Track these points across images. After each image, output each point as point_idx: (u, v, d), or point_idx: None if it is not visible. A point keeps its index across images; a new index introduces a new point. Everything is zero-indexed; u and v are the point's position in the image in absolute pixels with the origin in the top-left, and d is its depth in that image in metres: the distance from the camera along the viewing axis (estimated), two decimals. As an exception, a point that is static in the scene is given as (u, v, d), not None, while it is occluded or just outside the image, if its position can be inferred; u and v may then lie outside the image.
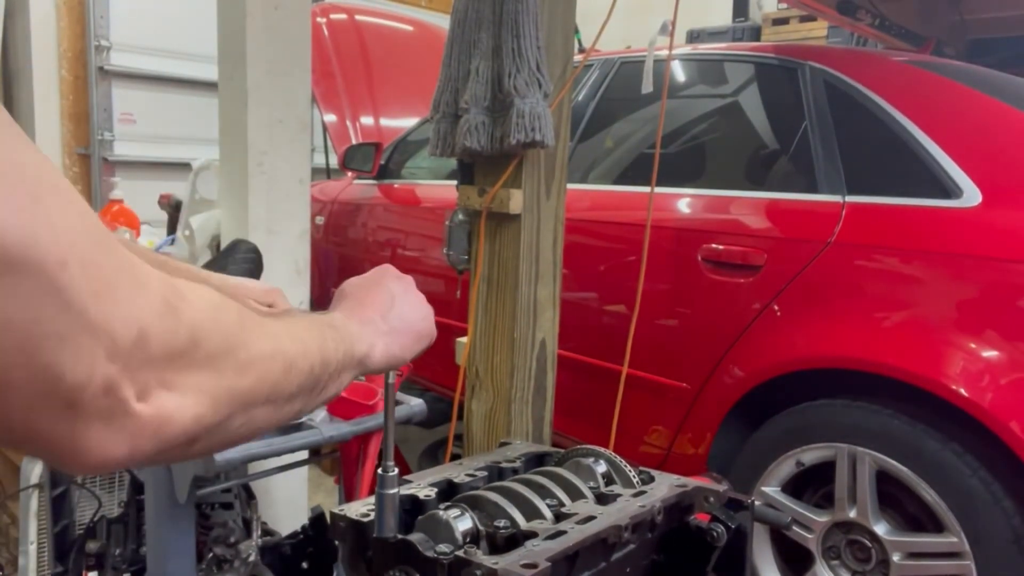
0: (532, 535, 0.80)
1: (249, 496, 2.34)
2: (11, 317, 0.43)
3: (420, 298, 0.94)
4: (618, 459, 0.99)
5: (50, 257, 0.44)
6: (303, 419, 1.88)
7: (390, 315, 0.87)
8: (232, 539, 2.11)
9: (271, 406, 0.65)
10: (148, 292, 0.51)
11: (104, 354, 0.47)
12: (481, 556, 0.76)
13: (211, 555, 2.09)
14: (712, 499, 0.93)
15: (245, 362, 0.60)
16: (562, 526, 0.82)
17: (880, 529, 2.28)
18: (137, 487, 2.21)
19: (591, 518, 0.84)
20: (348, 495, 2.14)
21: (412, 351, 0.89)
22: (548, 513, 0.87)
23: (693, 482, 0.95)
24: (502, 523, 0.83)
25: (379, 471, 0.84)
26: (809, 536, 2.42)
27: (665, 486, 0.95)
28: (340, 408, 1.95)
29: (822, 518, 2.40)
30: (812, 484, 2.49)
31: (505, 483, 0.91)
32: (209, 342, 0.56)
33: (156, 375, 0.52)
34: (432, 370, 3.61)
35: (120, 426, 0.50)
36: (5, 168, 0.43)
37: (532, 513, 0.86)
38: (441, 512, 0.84)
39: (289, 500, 2.99)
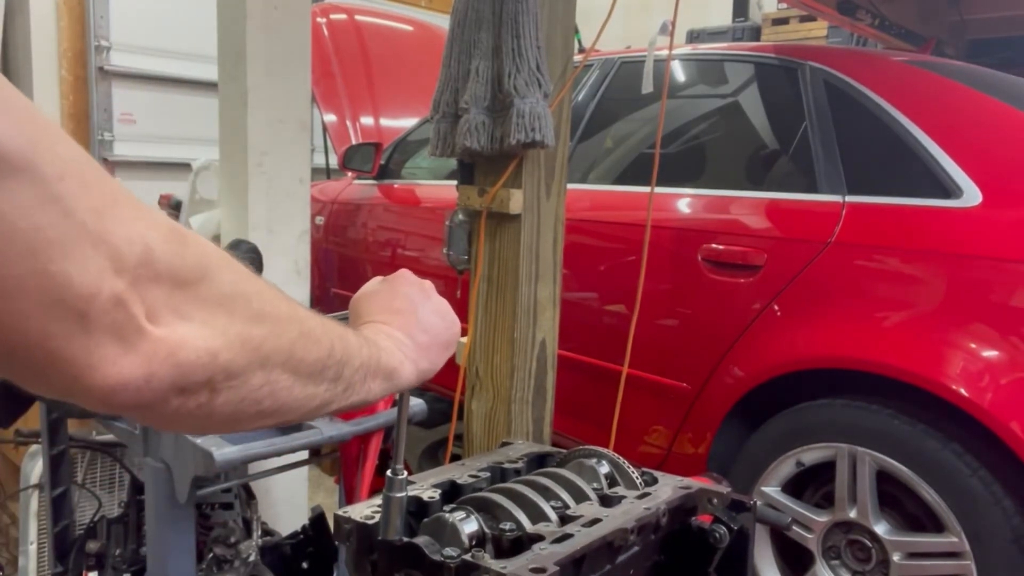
0: (538, 538, 0.80)
1: (249, 496, 2.34)
2: (15, 223, 0.43)
3: (441, 302, 0.91)
4: (620, 460, 0.99)
5: (49, 168, 0.45)
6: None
7: (415, 330, 0.84)
8: (232, 539, 2.11)
9: (291, 374, 0.63)
10: (152, 217, 0.51)
11: (110, 267, 0.47)
12: (489, 560, 0.76)
13: (211, 555, 2.09)
14: (715, 501, 0.93)
15: (258, 311, 0.59)
16: (568, 529, 0.82)
17: (880, 529, 2.28)
18: (137, 487, 2.21)
19: (597, 521, 0.84)
20: (348, 495, 2.14)
21: (440, 362, 0.86)
22: (553, 515, 0.86)
23: (697, 483, 0.95)
24: (508, 526, 0.83)
25: (388, 473, 0.83)
26: (809, 536, 2.42)
27: (669, 488, 0.95)
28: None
29: (822, 518, 2.40)
30: (812, 484, 2.49)
31: (509, 485, 0.91)
32: (219, 281, 0.56)
33: (165, 297, 0.51)
34: (432, 370, 3.61)
35: (133, 344, 0.49)
36: (5, 94, 0.44)
37: (537, 515, 0.86)
38: (447, 515, 0.84)
39: (289, 500, 2.99)
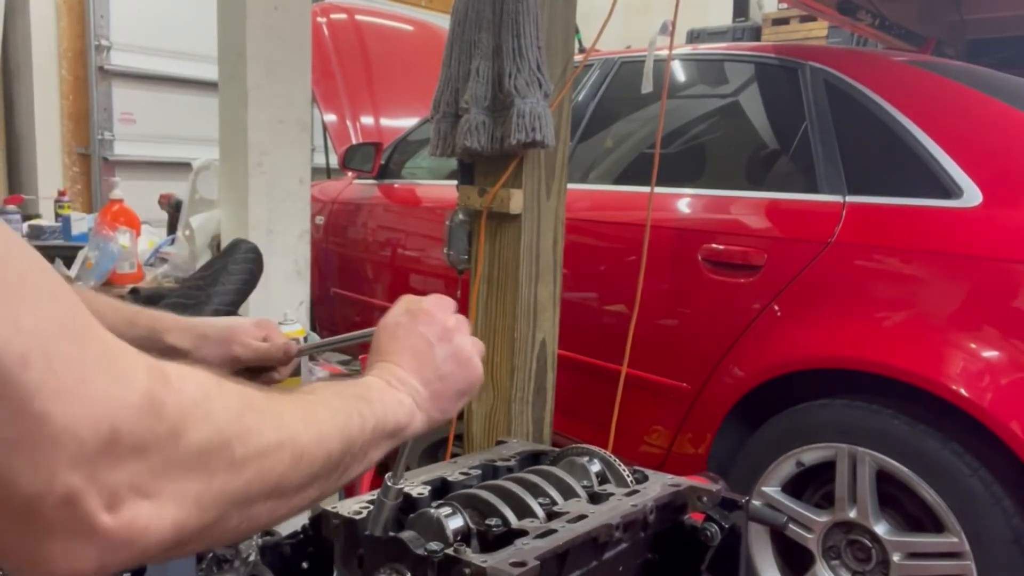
0: (523, 533, 0.80)
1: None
2: None
3: (463, 347, 0.87)
4: (612, 458, 0.99)
5: (9, 353, 0.41)
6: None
7: (430, 376, 0.81)
8: (232, 539, 2.10)
9: (276, 500, 0.59)
10: (127, 387, 0.47)
11: (66, 461, 0.44)
12: (471, 554, 0.76)
13: (211, 555, 2.09)
14: (705, 498, 0.93)
15: (241, 458, 0.54)
16: (553, 525, 0.82)
17: (880, 529, 2.28)
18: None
19: (582, 517, 0.84)
20: (348, 494, 2.14)
21: (453, 411, 0.85)
22: (540, 512, 0.86)
23: (686, 481, 0.95)
24: (493, 521, 0.83)
25: (385, 478, 0.83)
26: (809, 536, 2.42)
27: (658, 485, 0.95)
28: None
29: (822, 518, 2.39)
30: (812, 484, 2.49)
31: (498, 482, 0.91)
32: (198, 437, 0.51)
33: (129, 481, 0.47)
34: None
35: (86, 540, 0.46)
36: None
37: (524, 512, 0.86)
38: (432, 510, 0.84)
39: (289, 500, 2.98)
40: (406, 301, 0.90)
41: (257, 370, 1.17)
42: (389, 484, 0.84)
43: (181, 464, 0.50)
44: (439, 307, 0.89)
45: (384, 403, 0.74)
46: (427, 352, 0.83)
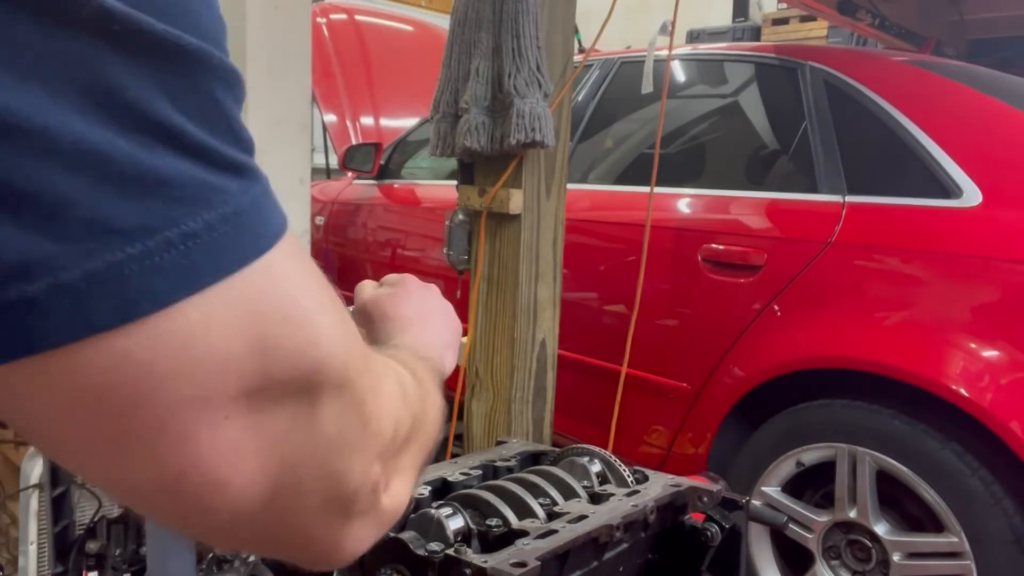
0: (523, 534, 0.80)
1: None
2: (325, 432, 0.43)
3: (447, 305, 0.91)
4: (612, 458, 0.99)
5: (357, 369, 0.45)
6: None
7: (437, 341, 0.84)
8: (232, 539, 2.10)
9: (422, 467, 0.64)
10: (392, 382, 0.52)
11: (376, 454, 0.48)
12: (471, 555, 0.76)
13: (211, 555, 2.09)
14: (706, 499, 0.93)
15: (429, 433, 0.60)
16: (553, 525, 0.82)
17: (880, 529, 2.28)
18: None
19: (583, 517, 0.84)
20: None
21: (452, 365, 0.87)
22: (541, 512, 0.86)
23: (687, 481, 0.95)
24: (494, 522, 0.83)
25: None
26: (809, 536, 2.42)
27: (659, 485, 0.95)
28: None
29: (822, 518, 2.39)
30: (812, 484, 2.49)
31: (499, 482, 0.91)
32: (418, 420, 0.57)
33: (395, 464, 0.52)
34: (432, 370, 3.60)
35: (372, 519, 0.50)
36: (323, 287, 0.44)
37: (525, 512, 0.86)
38: (433, 510, 0.84)
39: (289, 500, 2.99)
40: (371, 284, 0.93)
41: None
42: None
43: (407, 445, 0.55)
44: (417, 280, 0.93)
45: (433, 360, 0.77)
46: (430, 319, 0.86)
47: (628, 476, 0.98)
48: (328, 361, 0.42)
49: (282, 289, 0.40)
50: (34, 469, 2.74)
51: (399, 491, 0.53)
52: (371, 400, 0.47)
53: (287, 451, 0.42)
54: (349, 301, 0.94)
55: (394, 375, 0.56)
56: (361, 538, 0.50)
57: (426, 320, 0.85)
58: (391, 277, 0.92)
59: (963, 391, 2.12)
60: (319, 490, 0.45)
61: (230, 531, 0.45)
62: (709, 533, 0.92)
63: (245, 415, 0.39)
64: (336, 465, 0.45)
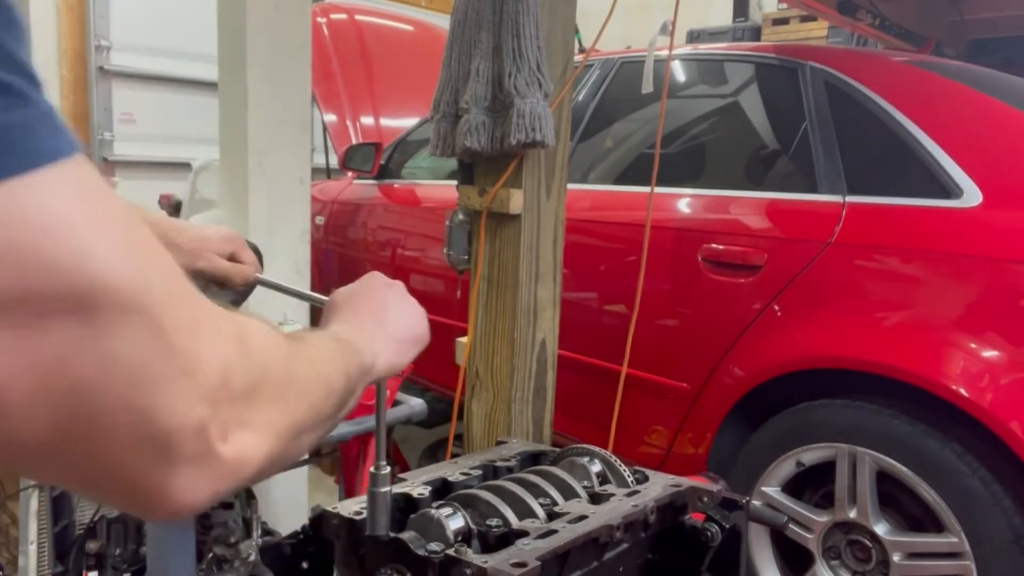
0: (523, 534, 0.80)
1: (249, 496, 2.34)
2: (118, 360, 0.43)
3: (412, 302, 0.93)
4: (612, 458, 0.99)
5: (157, 298, 0.45)
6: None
7: (387, 324, 0.86)
8: (232, 539, 2.10)
9: (314, 431, 0.65)
10: (226, 329, 0.52)
11: (198, 394, 0.47)
12: (471, 555, 0.76)
13: (211, 555, 2.09)
14: (706, 499, 0.93)
15: (301, 392, 0.61)
16: (554, 525, 0.82)
17: (880, 529, 2.28)
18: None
19: (583, 517, 0.84)
20: (348, 495, 2.14)
21: (410, 356, 0.89)
22: (541, 512, 0.86)
23: (687, 481, 0.95)
24: (494, 522, 0.83)
25: (372, 469, 0.84)
26: (809, 536, 2.42)
27: (659, 485, 0.95)
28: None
29: (822, 518, 2.39)
30: (812, 484, 2.49)
31: (499, 482, 0.91)
32: (276, 377, 0.57)
33: (235, 414, 0.51)
34: (432, 370, 3.61)
35: (207, 469, 0.49)
36: (111, 213, 0.44)
37: (525, 512, 0.86)
38: (433, 511, 0.84)
39: (289, 500, 2.99)
40: (356, 283, 0.97)
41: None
42: (375, 472, 0.85)
43: (267, 400, 0.55)
44: (382, 277, 0.96)
45: (356, 346, 0.79)
46: (384, 310, 0.89)
47: (628, 476, 0.98)
48: (105, 280, 0.42)
49: (47, 205, 0.40)
50: (34, 469, 2.75)
51: (246, 445, 0.52)
52: (184, 336, 0.46)
53: (72, 376, 0.41)
54: None
55: (254, 330, 0.56)
56: (194, 488, 0.49)
57: (372, 315, 0.86)
58: (365, 276, 0.94)
59: (963, 391, 2.12)
60: (123, 425, 0.44)
61: (36, 463, 0.45)
62: (709, 533, 0.92)
63: (6, 328, 0.39)
64: (140, 399, 0.44)
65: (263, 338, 0.57)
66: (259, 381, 0.54)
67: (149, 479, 0.47)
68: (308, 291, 1.22)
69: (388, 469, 0.84)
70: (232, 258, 1.25)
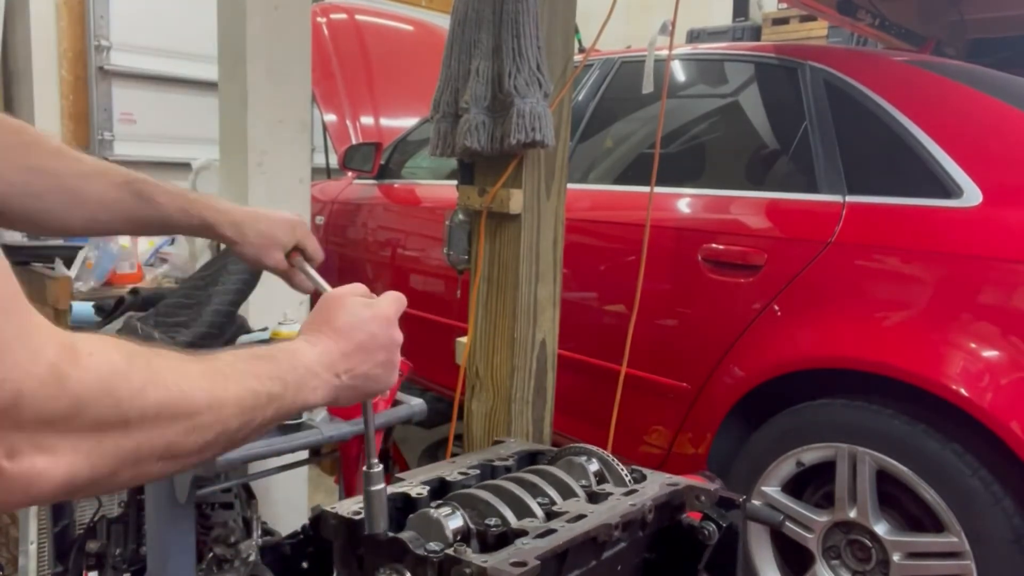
0: (522, 533, 0.80)
1: (249, 496, 2.34)
2: None
3: (396, 357, 0.89)
4: (610, 458, 0.99)
5: None
6: (303, 419, 1.88)
7: (361, 373, 0.84)
8: (232, 539, 2.11)
9: (167, 461, 0.65)
10: (36, 359, 0.52)
11: None
12: (471, 554, 0.76)
13: (211, 555, 2.09)
14: (703, 498, 0.93)
15: (137, 426, 0.60)
16: (552, 524, 0.82)
17: (880, 529, 2.28)
18: (137, 487, 2.21)
19: (581, 516, 0.84)
20: (348, 495, 2.14)
21: (354, 403, 0.87)
22: (539, 511, 0.86)
23: (684, 480, 0.95)
24: (493, 521, 0.83)
25: (364, 468, 0.84)
26: (809, 536, 2.42)
27: (656, 484, 0.95)
28: (340, 408, 1.95)
29: (822, 518, 2.39)
30: (812, 484, 2.49)
31: (497, 481, 0.91)
32: (96, 409, 0.57)
33: (28, 437, 0.53)
34: (432, 370, 3.61)
35: None
36: None
37: (523, 511, 0.86)
38: (432, 510, 0.84)
39: (289, 500, 2.99)
40: (360, 289, 0.93)
41: None
42: (367, 471, 0.84)
43: (80, 429, 0.56)
44: (396, 312, 0.92)
45: (300, 388, 0.77)
46: (372, 352, 0.85)
47: (626, 475, 0.98)
48: None
49: None
50: (34, 469, 2.75)
51: (38, 467, 0.53)
52: None
53: None
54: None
55: (88, 357, 0.56)
56: None
57: (350, 346, 0.84)
58: (373, 301, 0.91)
59: (963, 391, 2.12)
60: None
61: None
62: (706, 532, 0.92)
63: None
64: None
65: (100, 369, 0.58)
66: (68, 412, 0.55)
67: None
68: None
69: (380, 467, 0.84)
70: (297, 247, 1.24)
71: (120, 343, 0.62)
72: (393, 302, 0.92)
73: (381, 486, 0.84)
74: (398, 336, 0.90)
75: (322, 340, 0.83)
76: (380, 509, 0.82)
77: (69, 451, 0.55)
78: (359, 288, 0.95)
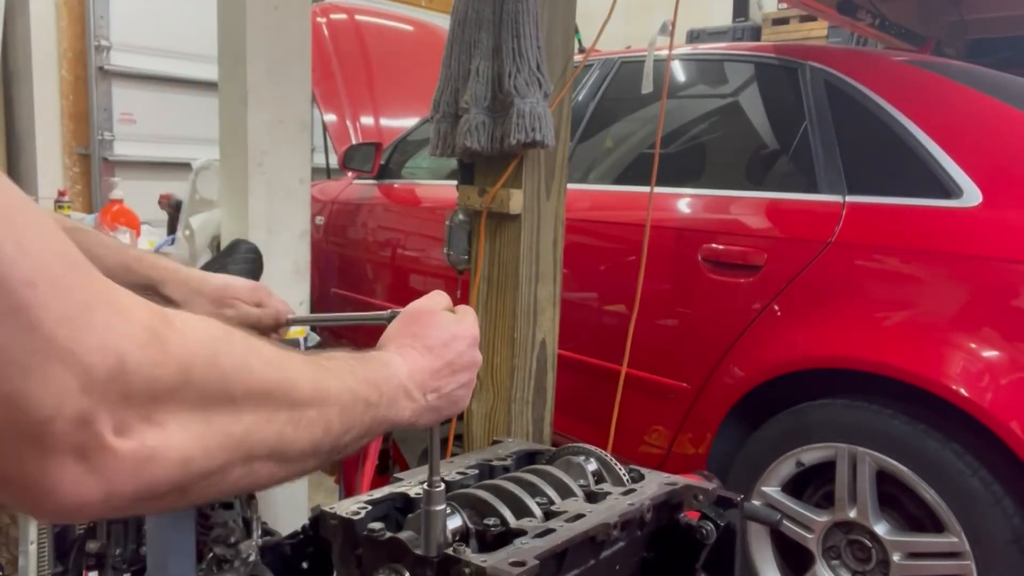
0: (521, 533, 0.80)
1: (249, 496, 2.34)
2: None
3: (475, 364, 0.86)
4: (608, 457, 0.99)
5: (16, 274, 0.41)
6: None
7: (446, 392, 0.80)
8: (232, 539, 2.11)
9: (277, 463, 0.59)
10: (130, 319, 0.47)
11: (76, 385, 0.44)
12: (470, 554, 0.76)
13: (211, 555, 2.09)
14: (701, 497, 0.93)
15: (243, 405, 0.55)
16: (551, 524, 0.82)
17: (880, 529, 2.28)
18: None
19: (580, 516, 0.84)
20: (348, 494, 2.14)
21: (431, 424, 0.82)
22: (538, 511, 0.87)
23: (682, 480, 0.95)
24: (492, 521, 0.83)
25: (425, 486, 0.79)
26: (809, 536, 2.42)
27: (654, 484, 0.95)
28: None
29: (822, 518, 2.39)
30: (812, 484, 2.49)
31: (496, 481, 0.91)
32: (202, 378, 0.51)
33: (137, 409, 0.47)
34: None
35: (96, 463, 0.45)
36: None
37: (522, 511, 0.86)
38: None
39: (289, 500, 2.99)
40: (445, 301, 0.89)
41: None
42: (431, 489, 0.80)
43: (187, 403, 0.50)
44: (476, 331, 0.88)
45: (393, 402, 0.73)
46: (457, 373, 0.82)
47: (624, 475, 0.98)
48: None
49: None
50: (34, 469, 2.75)
51: (152, 442, 0.48)
52: (61, 322, 0.43)
53: None
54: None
55: (183, 326, 0.51)
56: (81, 484, 0.45)
57: (443, 368, 0.80)
58: (461, 316, 0.87)
59: (963, 391, 2.12)
60: None
61: None
62: (704, 531, 0.92)
63: None
64: (4, 385, 0.41)
65: (198, 336, 0.52)
66: (175, 381, 0.49)
67: (26, 472, 0.44)
68: (348, 314, 1.19)
69: (442, 486, 0.80)
70: (259, 306, 1.21)
71: (209, 319, 0.57)
72: (475, 319, 0.89)
73: (442, 506, 0.79)
74: (479, 357, 0.87)
75: (412, 355, 0.79)
76: (439, 530, 0.79)
77: (180, 428, 0.50)
78: (444, 300, 0.90)
